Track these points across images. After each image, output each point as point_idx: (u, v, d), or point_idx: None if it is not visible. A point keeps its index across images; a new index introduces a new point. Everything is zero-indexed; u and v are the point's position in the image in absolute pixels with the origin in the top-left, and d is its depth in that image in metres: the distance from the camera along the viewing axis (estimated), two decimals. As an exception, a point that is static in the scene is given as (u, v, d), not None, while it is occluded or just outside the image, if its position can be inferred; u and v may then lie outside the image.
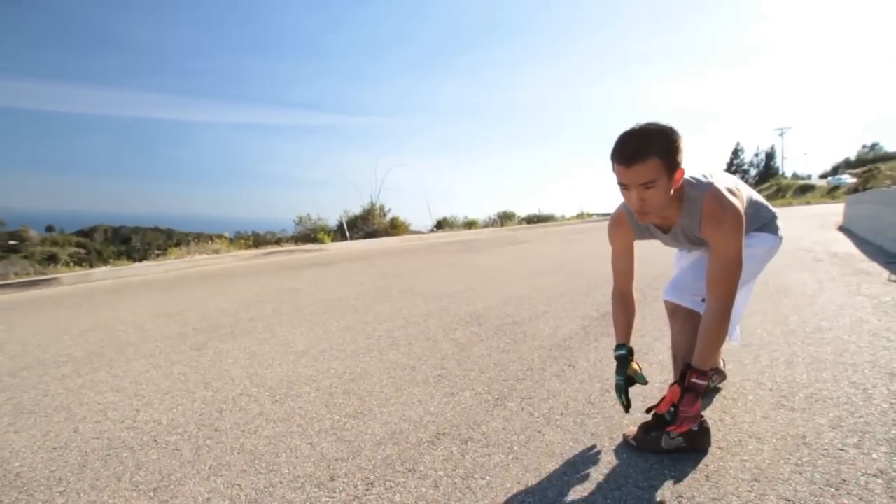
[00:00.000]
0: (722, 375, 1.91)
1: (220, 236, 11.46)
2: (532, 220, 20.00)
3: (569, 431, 1.66)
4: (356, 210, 14.78)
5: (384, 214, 14.97)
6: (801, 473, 1.34)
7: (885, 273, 4.24)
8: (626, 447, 1.52)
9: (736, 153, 53.18)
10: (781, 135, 52.78)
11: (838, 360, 2.15)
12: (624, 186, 1.30)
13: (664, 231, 1.50)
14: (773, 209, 1.63)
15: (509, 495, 1.32)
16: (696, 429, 1.45)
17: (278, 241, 12.67)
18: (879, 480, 1.28)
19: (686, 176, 1.36)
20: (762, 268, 1.66)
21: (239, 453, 1.64)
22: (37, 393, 2.34)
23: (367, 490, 1.38)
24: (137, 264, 8.42)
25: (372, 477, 1.45)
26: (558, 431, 1.66)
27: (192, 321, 3.72)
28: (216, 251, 10.07)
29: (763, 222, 1.58)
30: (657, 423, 1.43)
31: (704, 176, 1.40)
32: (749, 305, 3.16)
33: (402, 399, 2.01)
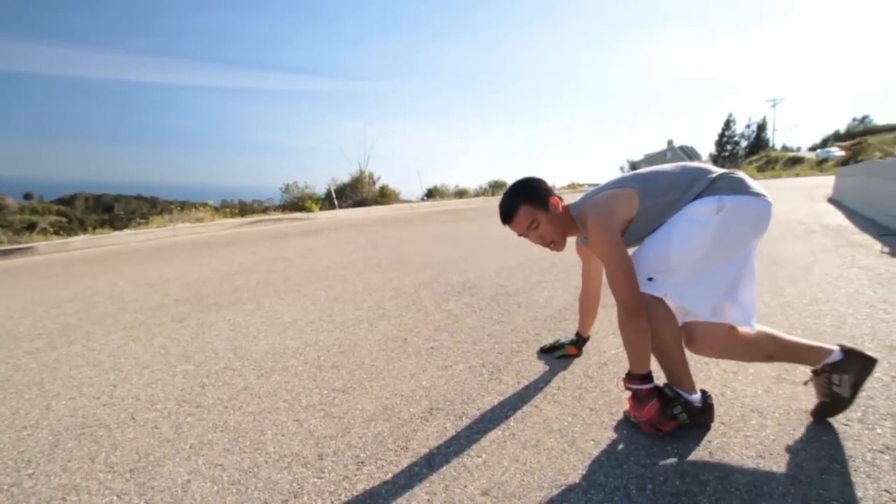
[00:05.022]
0: None
1: (204, 205, 11.17)
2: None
3: (567, 406, 1.60)
4: (345, 178, 14.49)
5: (373, 183, 14.71)
6: (806, 450, 1.30)
7: (878, 245, 4.23)
8: (627, 423, 1.47)
9: (728, 125, 52.73)
10: (773, 106, 52.60)
11: (837, 333, 2.12)
12: (524, 236, 1.55)
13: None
14: (721, 171, 1.42)
15: (507, 474, 1.26)
16: (699, 406, 1.40)
17: (265, 210, 12.41)
18: (886, 456, 1.25)
19: (575, 203, 1.56)
20: (730, 234, 1.34)
21: (222, 431, 1.56)
22: (7, 368, 2.22)
23: (358, 469, 1.32)
24: (118, 233, 8.18)
25: (362, 455, 1.38)
26: (556, 406, 1.60)
27: (174, 292, 3.59)
28: (200, 220, 9.81)
29: (696, 192, 1.38)
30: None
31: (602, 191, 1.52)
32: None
33: (394, 372, 1.94)
